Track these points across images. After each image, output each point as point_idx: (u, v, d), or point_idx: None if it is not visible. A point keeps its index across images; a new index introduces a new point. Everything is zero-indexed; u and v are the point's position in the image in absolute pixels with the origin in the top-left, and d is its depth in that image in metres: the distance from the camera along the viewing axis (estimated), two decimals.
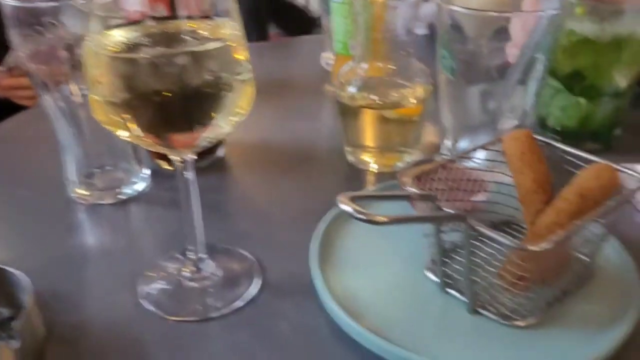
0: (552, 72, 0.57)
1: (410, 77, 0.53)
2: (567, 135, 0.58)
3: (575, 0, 0.55)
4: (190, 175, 0.37)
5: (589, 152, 0.56)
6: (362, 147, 0.55)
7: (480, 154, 0.43)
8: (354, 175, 0.56)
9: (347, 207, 0.31)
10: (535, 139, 0.39)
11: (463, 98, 0.49)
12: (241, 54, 0.33)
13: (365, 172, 0.56)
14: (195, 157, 0.36)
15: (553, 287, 0.37)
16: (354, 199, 0.32)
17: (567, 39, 0.54)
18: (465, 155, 0.41)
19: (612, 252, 0.41)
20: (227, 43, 0.32)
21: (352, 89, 0.53)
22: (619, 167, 0.36)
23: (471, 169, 0.42)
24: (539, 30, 0.43)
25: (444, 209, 0.34)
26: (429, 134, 0.58)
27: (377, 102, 0.52)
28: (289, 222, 0.49)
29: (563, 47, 0.55)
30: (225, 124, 0.33)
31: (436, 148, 0.57)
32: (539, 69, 0.46)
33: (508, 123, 0.48)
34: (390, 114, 0.52)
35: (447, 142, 0.53)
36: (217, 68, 0.31)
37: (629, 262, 0.40)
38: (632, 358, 0.35)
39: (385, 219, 0.31)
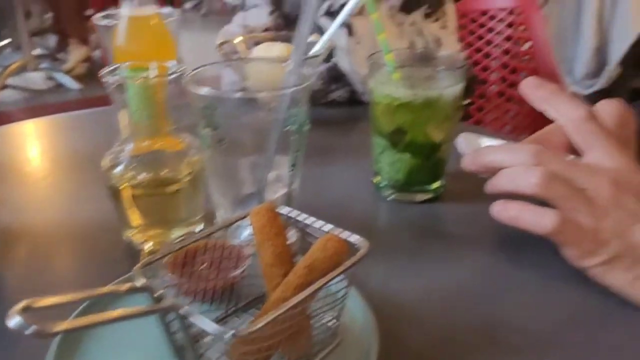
0: (377, 131, 0.63)
1: (182, 151, 0.52)
2: (400, 188, 0.63)
3: (391, 68, 0.60)
4: None
5: (421, 203, 0.61)
6: (134, 226, 0.53)
7: (245, 228, 0.45)
8: (130, 256, 0.53)
9: (15, 320, 0.28)
10: (277, 212, 0.40)
11: (228, 170, 0.50)
12: None
13: (140, 252, 0.53)
14: None
15: (291, 356, 0.36)
16: (26, 309, 0.28)
17: (386, 102, 0.60)
18: (227, 228, 0.42)
19: (357, 311, 0.41)
20: None
21: (118, 169, 0.51)
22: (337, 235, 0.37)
23: (232, 243, 0.43)
24: (284, 106, 0.46)
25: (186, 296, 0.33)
26: (199, 207, 0.56)
27: (145, 179, 0.51)
28: None
29: (384, 108, 0.61)
30: None
31: (210, 221, 0.55)
32: (293, 139, 0.48)
33: (275, 192, 0.50)
34: (159, 190, 0.51)
35: (217, 215, 0.53)
36: None
37: (369, 321, 0.40)
38: None
39: (60, 328, 0.29)
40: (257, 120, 0.49)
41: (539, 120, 0.57)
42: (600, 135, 0.47)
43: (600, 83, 2.27)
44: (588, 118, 0.48)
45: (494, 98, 1.49)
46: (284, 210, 0.42)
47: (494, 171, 0.51)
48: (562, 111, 0.49)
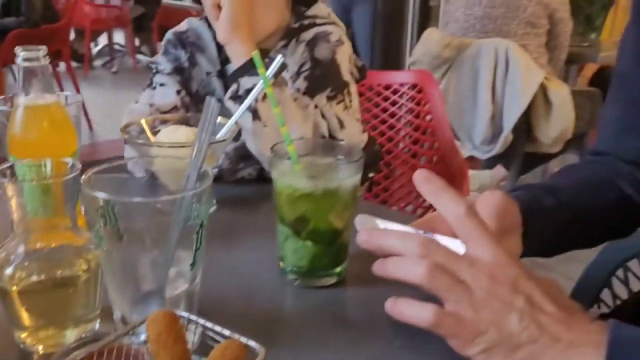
0: (281, 219, 0.64)
1: (79, 248, 0.51)
2: (304, 274, 0.65)
3: (293, 159, 0.63)
4: None
5: (325, 287, 0.62)
6: (26, 327, 0.50)
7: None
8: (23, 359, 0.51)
9: None
10: (176, 318, 0.39)
11: (127, 267, 0.49)
12: None
13: (33, 355, 0.51)
14: None
15: None
16: None
17: (288, 192, 0.62)
18: (127, 332, 0.41)
19: None
20: None
21: (9, 269, 0.49)
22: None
23: (133, 345, 0.42)
24: (182, 207, 0.46)
25: None
26: (95, 306, 0.54)
27: (38, 280, 0.49)
28: None
29: (287, 197, 0.63)
30: None
31: (107, 318, 0.53)
32: (195, 236, 0.49)
33: (176, 288, 0.50)
34: (53, 290, 0.50)
35: (115, 314, 0.51)
36: None
37: None
38: None
39: None
40: (157, 217, 0.49)
41: None
42: (478, 231, 0.51)
43: (497, 148, 2.45)
44: (468, 214, 0.52)
45: (399, 167, 1.56)
46: (184, 314, 0.42)
47: (385, 254, 0.53)
48: (446, 206, 0.53)
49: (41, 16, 3.67)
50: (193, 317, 0.41)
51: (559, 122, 2.30)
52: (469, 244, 0.52)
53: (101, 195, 0.45)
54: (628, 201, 0.75)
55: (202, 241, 0.50)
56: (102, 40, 6.54)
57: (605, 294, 0.98)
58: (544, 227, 0.69)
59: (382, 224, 0.64)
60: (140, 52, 6.59)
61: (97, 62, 6.34)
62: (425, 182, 0.54)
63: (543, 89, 2.29)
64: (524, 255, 0.69)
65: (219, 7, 0.84)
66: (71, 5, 4.63)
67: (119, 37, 6.71)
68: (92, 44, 6.19)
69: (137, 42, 6.50)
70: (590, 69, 3.09)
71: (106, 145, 3.47)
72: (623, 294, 0.94)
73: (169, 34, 1.00)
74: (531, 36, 2.37)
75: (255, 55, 0.61)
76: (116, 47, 6.55)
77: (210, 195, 0.49)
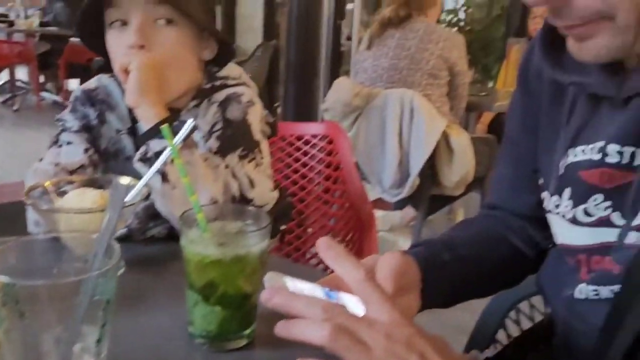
0: (190, 284, 0.66)
1: None
2: (213, 338, 0.65)
3: (202, 227, 0.64)
4: None
5: (234, 350, 0.62)
6: None
7: None
8: None
9: None
10: None
11: (29, 345, 0.49)
12: None
13: None
14: None
15: None
16: None
17: (197, 259, 0.63)
18: None
19: None
20: None
21: None
22: None
23: None
24: (88, 286, 0.46)
25: None
26: None
27: None
28: None
29: (196, 264, 0.64)
30: None
31: None
32: (101, 314, 0.49)
33: None
34: None
35: None
36: None
37: None
38: None
39: None
40: (62, 296, 0.48)
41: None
42: (376, 294, 0.55)
43: (405, 192, 2.56)
44: (366, 279, 0.56)
45: (312, 214, 1.60)
46: None
47: (290, 314, 0.56)
48: (347, 272, 0.56)
49: None
50: None
51: (460, 167, 2.46)
52: (368, 307, 0.55)
53: (1, 278, 0.44)
54: (519, 255, 0.83)
55: (108, 317, 0.50)
56: (4, 76, 6.24)
57: (501, 335, 1.06)
58: (442, 281, 0.75)
59: (290, 281, 0.67)
60: (45, 90, 6.34)
61: None
62: (327, 249, 0.58)
63: (445, 136, 2.44)
64: (424, 309, 0.74)
65: (127, 72, 0.85)
66: None
67: (22, 73, 6.43)
68: None
69: (42, 79, 6.25)
70: (487, 117, 3.33)
71: (9, 188, 3.28)
72: (516, 333, 1.02)
73: (77, 91, 1.00)
74: (434, 87, 2.53)
75: (164, 129, 0.62)
76: (19, 84, 6.27)
77: (116, 271, 0.50)
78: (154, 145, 0.83)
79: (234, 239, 0.64)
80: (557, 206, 0.70)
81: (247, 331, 0.67)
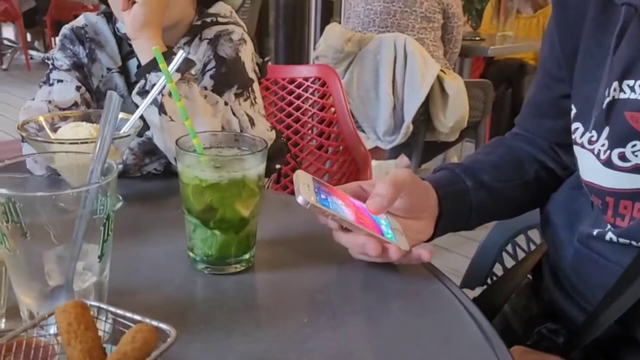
0: (188, 210, 0.66)
1: None
2: (214, 262, 0.67)
3: (199, 154, 0.65)
4: None
5: (234, 274, 0.63)
6: None
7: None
8: None
9: None
10: (85, 307, 0.40)
11: (32, 264, 0.49)
12: None
13: None
14: None
15: None
16: None
17: (194, 183, 0.64)
18: (35, 324, 0.42)
19: None
20: None
21: None
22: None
23: (41, 339, 0.42)
24: (87, 201, 0.47)
25: None
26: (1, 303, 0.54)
27: None
28: None
29: (193, 189, 0.65)
30: None
31: (13, 316, 0.53)
32: (102, 230, 0.49)
33: (85, 282, 0.51)
34: None
35: (22, 310, 0.51)
36: None
37: None
38: None
39: None
40: (62, 212, 0.49)
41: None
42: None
43: (399, 139, 2.56)
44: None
45: (307, 158, 1.61)
46: (93, 303, 0.43)
47: None
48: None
49: None
50: (103, 306, 0.43)
51: (455, 112, 2.45)
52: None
53: (2, 192, 0.45)
54: (550, 173, 0.80)
55: (110, 233, 0.51)
56: None
57: (497, 268, 1.08)
58: (461, 209, 0.75)
59: (316, 182, 0.66)
60: (33, 48, 6.21)
61: None
62: None
63: (439, 80, 2.42)
64: (435, 236, 0.74)
65: (131, 1, 0.84)
66: None
67: (9, 32, 6.29)
68: None
69: (28, 37, 6.12)
70: (482, 62, 3.30)
71: (1, 147, 3.27)
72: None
73: (65, 29, 0.98)
74: (427, 30, 2.49)
75: (155, 50, 0.62)
76: (5, 42, 6.13)
77: (115, 189, 0.50)
78: (152, 78, 0.83)
79: (230, 162, 0.64)
80: (590, 142, 0.66)
81: (247, 256, 0.68)
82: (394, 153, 2.80)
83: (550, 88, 0.78)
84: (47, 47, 6.03)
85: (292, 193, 1.56)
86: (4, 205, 0.47)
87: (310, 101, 1.57)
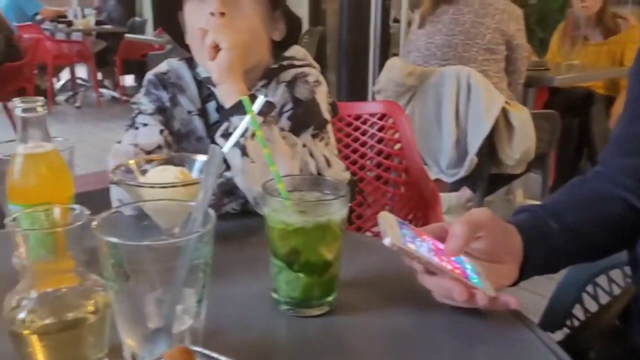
0: (274, 252, 0.67)
1: (86, 289, 0.53)
2: (297, 304, 0.68)
3: (283, 199, 0.66)
4: None
5: (317, 317, 0.64)
6: None
7: None
8: None
9: None
10: (191, 353, 0.41)
11: (134, 306, 0.51)
12: None
13: None
14: None
15: None
16: None
17: (280, 227, 0.65)
18: None
19: None
20: None
21: (21, 315, 0.51)
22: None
23: None
24: (191, 245, 0.49)
25: None
26: (104, 345, 0.55)
27: (47, 323, 0.51)
28: None
29: (279, 232, 0.66)
30: None
31: (115, 356, 0.55)
32: (200, 276, 0.51)
33: (182, 325, 0.52)
34: (63, 332, 0.51)
35: (124, 350, 0.53)
36: None
37: None
38: None
39: None
40: (163, 258, 0.51)
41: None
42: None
43: (463, 171, 2.53)
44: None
45: (371, 194, 1.61)
46: (197, 349, 0.44)
47: None
48: None
49: (4, 54, 3.64)
50: (207, 352, 0.44)
51: (521, 144, 2.40)
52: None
53: (113, 240, 0.47)
54: (637, 213, 0.77)
55: (207, 279, 0.52)
56: (65, 75, 6.49)
57: (577, 309, 1.04)
58: (546, 252, 0.73)
59: (399, 224, 0.67)
60: (103, 86, 6.56)
61: (60, 97, 6.28)
62: None
63: (504, 112, 2.39)
64: (524, 279, 0.72)
65: (216, 48, 0.88)
66: (34, 43, 4.60)
67: (82, 71, 6.67)
68: (54, 80, 6.13)
69: (99, 76, 6.47)
70: (546, 91, 3.23)
71: (82, 180, 3.44)
72: (593, 308, 1.00)
73: (149, 75, 1.03)
74: (491, 62, 2.47)
75: (245, 99, 0.64)
76: (79, 81, 6.50)
77: (212, 236, 0.52)
78: (236, 121, 0.85)
79: (315, 207, 0.66)
80: None
81: (330, 298, 0.68)
82: (456, 186, 2.76)
83: (636, 125, 0.76)
84: (117, 85, 6.35)
85: (358, 229, 1.54)
86: (111, 250, 0.50)
87: (376, 137, 1.58)
